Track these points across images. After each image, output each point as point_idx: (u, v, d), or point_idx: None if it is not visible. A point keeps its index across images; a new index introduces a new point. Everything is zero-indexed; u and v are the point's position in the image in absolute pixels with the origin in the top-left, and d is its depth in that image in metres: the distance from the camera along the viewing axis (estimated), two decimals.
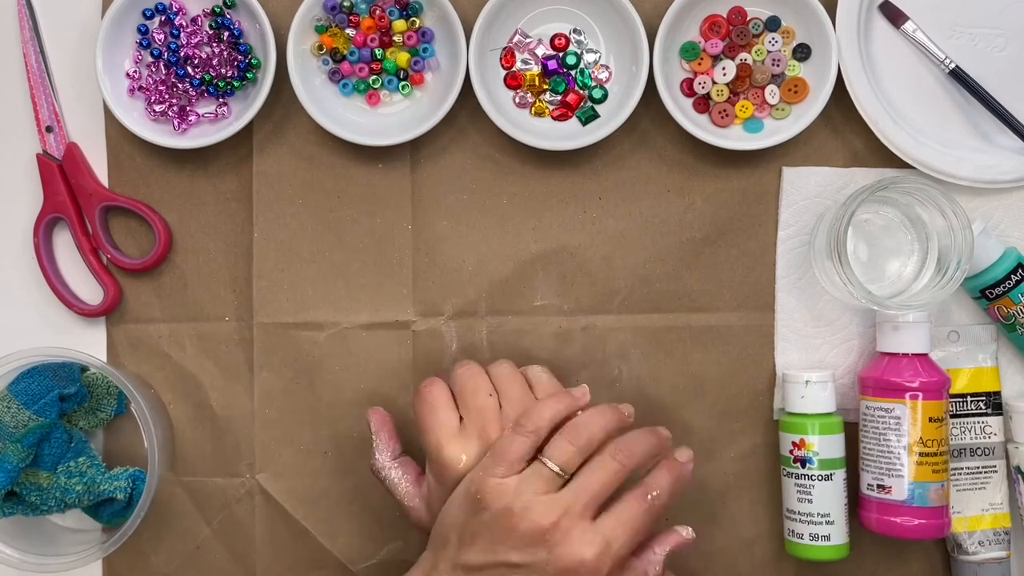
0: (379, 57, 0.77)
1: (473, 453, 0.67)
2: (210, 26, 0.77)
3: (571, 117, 0.77)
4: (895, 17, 0.76)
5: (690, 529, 0.69)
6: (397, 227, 0.78)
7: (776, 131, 0.76)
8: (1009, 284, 0.74)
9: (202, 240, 0.79)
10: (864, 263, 0.76)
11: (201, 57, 0.77)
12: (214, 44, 0.77)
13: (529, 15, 0.77)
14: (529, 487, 0.64)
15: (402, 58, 0.77)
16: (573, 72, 0.77)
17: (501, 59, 0.77)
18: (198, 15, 0.78)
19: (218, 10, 0.77)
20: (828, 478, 0.73)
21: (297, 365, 0.78)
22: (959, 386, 0.77)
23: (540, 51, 0.77)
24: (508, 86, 0.77)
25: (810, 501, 0.73)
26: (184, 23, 0.78)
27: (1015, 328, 0.75)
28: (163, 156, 0.78)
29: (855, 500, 0.75)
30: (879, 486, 0.73)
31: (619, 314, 0.78)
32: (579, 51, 0.77)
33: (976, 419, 0.77)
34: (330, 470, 0.79)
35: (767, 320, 0.78)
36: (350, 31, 0.77)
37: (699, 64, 0.76)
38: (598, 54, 0.77)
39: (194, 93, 0.77)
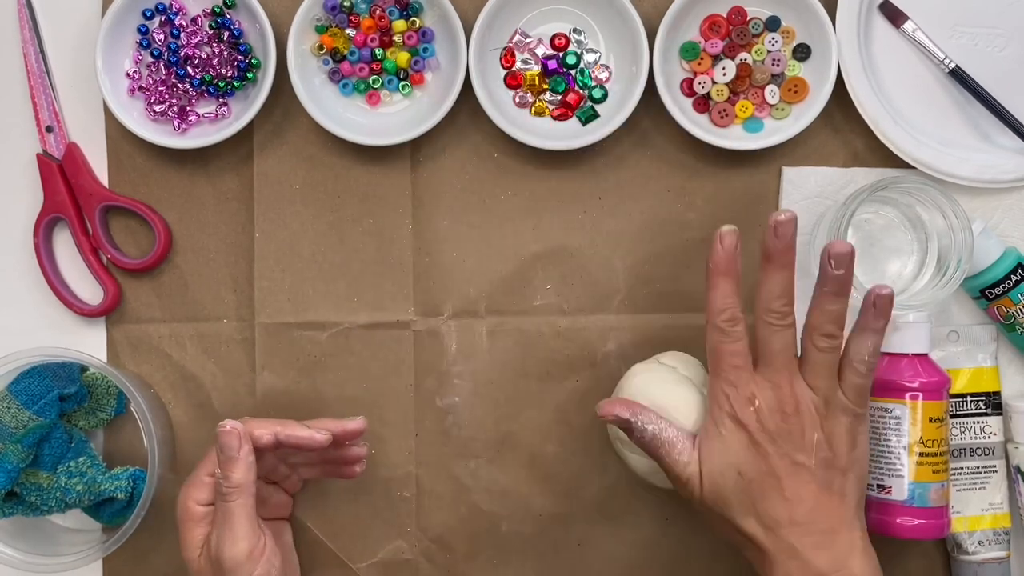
0: (379, 57, 0.77)
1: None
2: (210, 26, 0.77)
3: (571, 117, 0.77)
4: (895, 17, 0.76)
5: None
6: (397, 227, 0.78)
7: (776, 131, 0.76)
8: (1009, 284, 0.74)
9: (202, 240, 0.79)
10: (864, 263, 0.76)
11: (201, 57, 0.77)
12: (214, 44, 0.77)
13: (529, 15, 0.77)
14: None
15: (402, 58, 0.77)
16: (573, 72, 0.77)
17: (501, 59, 0.77)
18: (198, 15, 0.78)
19: (218, 10, 0.77)
20: None
21: (299, 365, 0.78)
22: (959, 386, 0.77)
23: (540, 51, 0.77)
24: (508, 86, 0.77)
25: None
26: (184, 23, 0.77)
27: (1015, 328, 0.75)
28: (163, 156, 0.78)
29: None
30: (879, 486, 0.73)
31: (619, 314, 0.78)
32: (579, 51, 0.77)
33: (976, 419, 0.77)
34: None
35: None
36: (350, 31, 0.77)
37: (699, 64, 0.76)
38: (598, 54, 0.77)
39: (194, 93, 0.77)
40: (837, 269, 0.66)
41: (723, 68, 0.76)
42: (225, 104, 0.78)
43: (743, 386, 0.67)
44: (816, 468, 0.66)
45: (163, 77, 0.77)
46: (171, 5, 0.77)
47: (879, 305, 0.67)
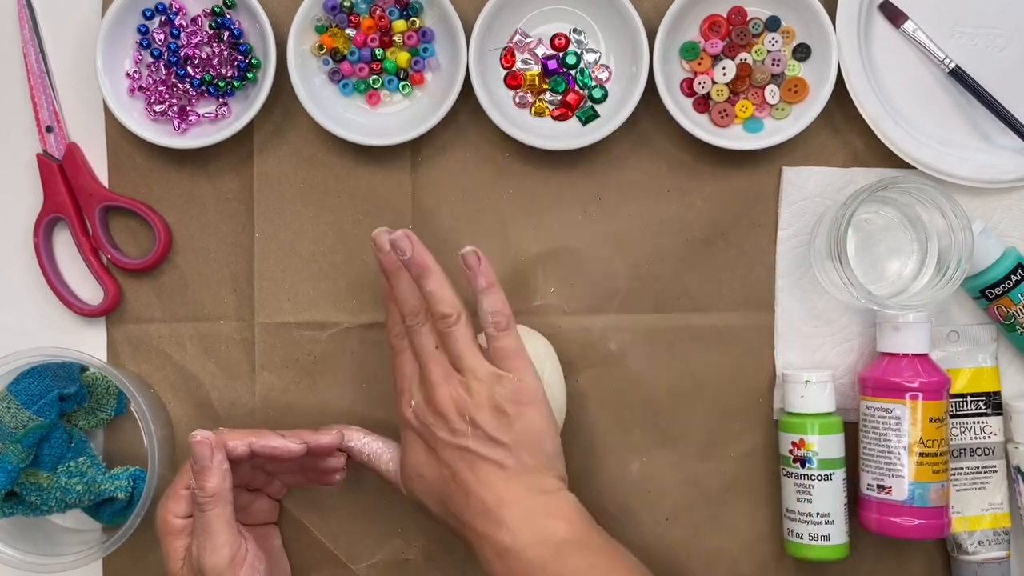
0: (379, 57, 0.77)
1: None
2: (210, 26, 0.77)
3: (571, 117, 0.77)
4: (895, 17, 0.76)
5: None
6: (397, 227, 0.78)
7: (776, 131, 0.76)
8: (1009, 284, 0.74)
9: (202, 240, 0.79)
10: (864, 263, 0.76)
11: (201, 57, 0.77)
12: (214, 44, 0.77)
13: (529, 15, 0.77)
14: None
15: (402, 58, 0.77)
16: (573, 72, 0.77)
17: (501, 59, 0.77)
18: (198, 15, 0.78)
19: (218, 10, 0.77)
20: (827, 478, 0.73)
21: (298, 365, 0.78)
22: (959, 386, 0.77)
23: (540, 51, 0.77)
24: (508, 86, 0.77)
25: (809, 501, 0.73)
26: (184, 23, 0.78)
27: (1015, 328, 0.75)
28: (163, 156, 0.78)
29: (855, 500, 0.75)
30: (879, 486, 0.73)
31: (619, 314, 0.78)
32: (579, 51, 0.77)
33: (976, 419, 0.77)
34: None
35: (767, 320, 0.78)
36: (350, 31, 0.77)
37: (699, 64, 0.76)
38: (598, 54, 0.77)
39: (194, 93, 0.77)
40: (402, 255, 0.69)
41: (723, 68, 0.76)
42: (225, 104, 0.78)
43: (405, 392, 0.71)
44: (477, 447, 0.67)
45: (163, 77, 0.77)
46: (171, 5, 0.77)
47: (469, 265, 0.69)
